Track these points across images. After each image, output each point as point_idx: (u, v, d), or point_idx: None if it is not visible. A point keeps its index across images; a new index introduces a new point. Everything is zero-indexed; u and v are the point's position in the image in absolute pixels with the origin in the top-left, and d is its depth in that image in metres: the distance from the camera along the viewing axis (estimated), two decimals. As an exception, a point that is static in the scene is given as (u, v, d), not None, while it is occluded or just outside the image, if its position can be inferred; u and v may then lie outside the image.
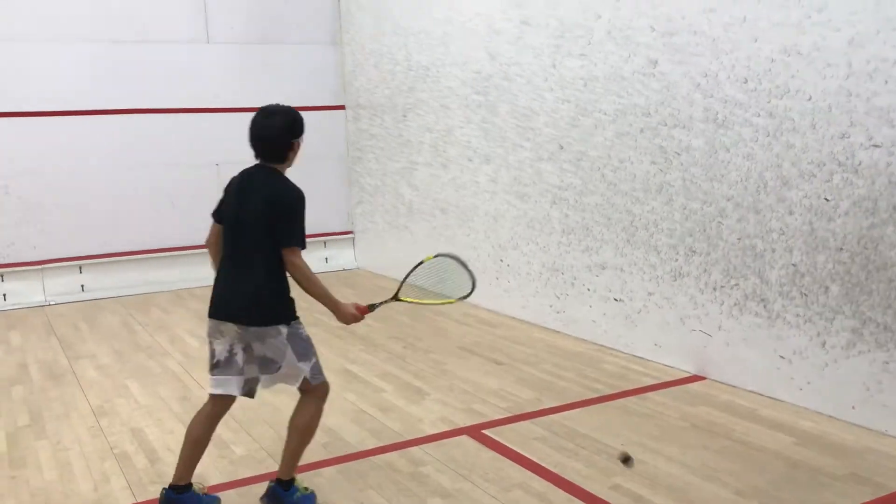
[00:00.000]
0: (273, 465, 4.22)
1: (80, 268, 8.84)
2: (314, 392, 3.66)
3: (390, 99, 8.95)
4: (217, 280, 3.64)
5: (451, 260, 4.00)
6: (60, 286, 8.72)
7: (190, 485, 3.66)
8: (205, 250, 3.85)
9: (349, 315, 3.65)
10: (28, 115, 8.47)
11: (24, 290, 8.58)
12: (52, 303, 8.61)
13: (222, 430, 4.75)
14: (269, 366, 3.53)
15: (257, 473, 4.16)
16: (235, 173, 3.73)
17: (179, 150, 9.19)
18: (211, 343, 3.59)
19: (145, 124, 9.02)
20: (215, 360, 3.56)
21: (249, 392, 3.62)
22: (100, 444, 4.64)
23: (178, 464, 3.65)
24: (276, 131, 3.52)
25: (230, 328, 3.50)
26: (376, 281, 9.14)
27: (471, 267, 3.97)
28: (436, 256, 4.03)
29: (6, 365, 6.35)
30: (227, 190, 3.68)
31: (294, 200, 3.49)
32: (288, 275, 3.54)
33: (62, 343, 6.98)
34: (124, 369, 6.12)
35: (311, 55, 9.84)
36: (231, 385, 3.57)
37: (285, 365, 3.53)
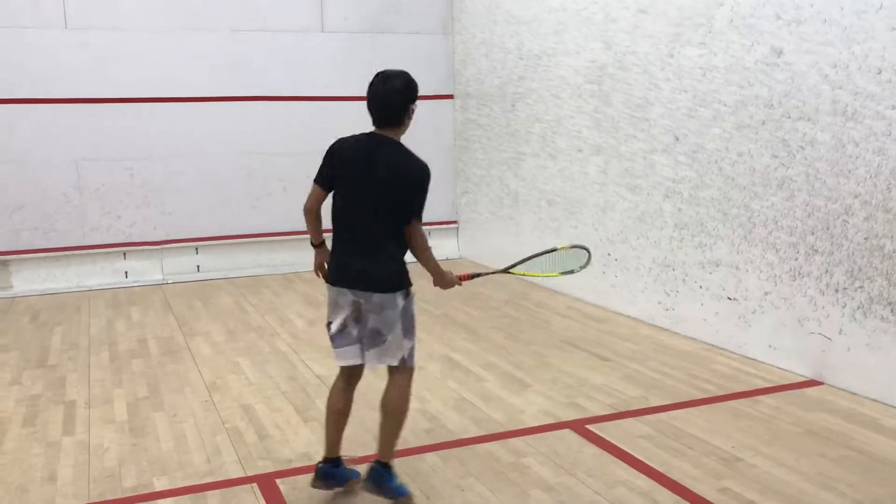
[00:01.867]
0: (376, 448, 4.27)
1: (197, 249, 9.19)
2: (407, 373, 3.66)
3: (499, 88, 8.91)
4: (340, 247, 3.61)
5: (583, 251, 4.12)
6: (178, 266, 9.10)
7: (339, 458, 3.75)
8: (309, 235, 3.85)
9: (450, 283, 3.75)
10: (151, 101, 8.85)
11: (145, 269, 8.99)
12: (169, 281, 8.99)
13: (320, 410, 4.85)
14: (375, 338, 3.56)
15: (361, 454, 4.21)
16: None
17: (292, 137, 9.41)
18: (329, 315, 3.66)
19: (260, 111, 9.28)
20: (332, 334, 3.63)
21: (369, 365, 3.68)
22: (212, 419, 4.81)
23: (327, 437, 3.74)
24: (397, 95, 3.52)
25: (347, 299, 3.54)
26: (479, 271, 9.13)
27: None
28: (572, 247, 4.12)
29: (127, 339, 6.67)
30: (342, 157, 3.58)
31: (426, 176, 3.55)
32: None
33: (178, 320, 7.27)
34: (236, 348, 6.32)
35: (421, 44, 9.90)
36: (351, 355, 3.62)
37: (391, 337, 3.54)
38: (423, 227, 3.61)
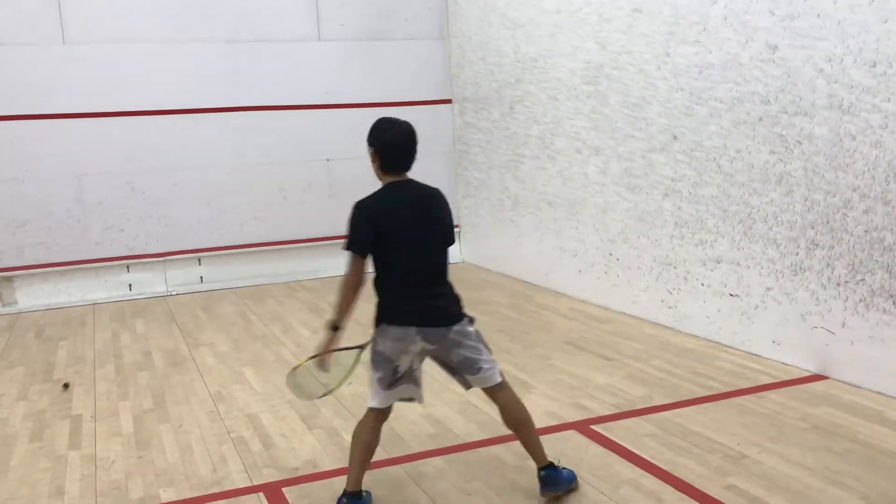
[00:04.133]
0: (383, 454, 4.28)
1: (200, 260, 9.22)
2: (506, 383, 3.75)
3: (497, 91, 8.92)
4: (407, 296, 3.58)
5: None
6: (181, 277, 9.13)
7: (361, 492, 3.69)
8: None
9: (323, 356, 3.67)
10: (149, 114, 8.89)
11: (148, 281, 9.02)
12: (173, 293, 9.02)
13: (333, 417, 4.87)
14: (471, 367, 3.66)
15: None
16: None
17: (292, 146, 9.45)
18: (392, 361, 3.59)
19: (259, 121, 9.32)
20: (399, 375, 3.61)
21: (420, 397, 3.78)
22: (218, 429, 4.82)
23: (355, 472, 3.66)
24: (416, 142, 3.64)
25: (417, 344, 3.56)
26: (481, 275, 9.14)
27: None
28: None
29: (132, 351, 6.69)
30: (391, 216, 3.54)
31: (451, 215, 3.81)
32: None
33: (182, 331, 7.29)
34: (241, 357, 6.34)
35: (418, 50, 9.93)
36: (406, 392, 3.70)
37: (484, 359, 3.67)
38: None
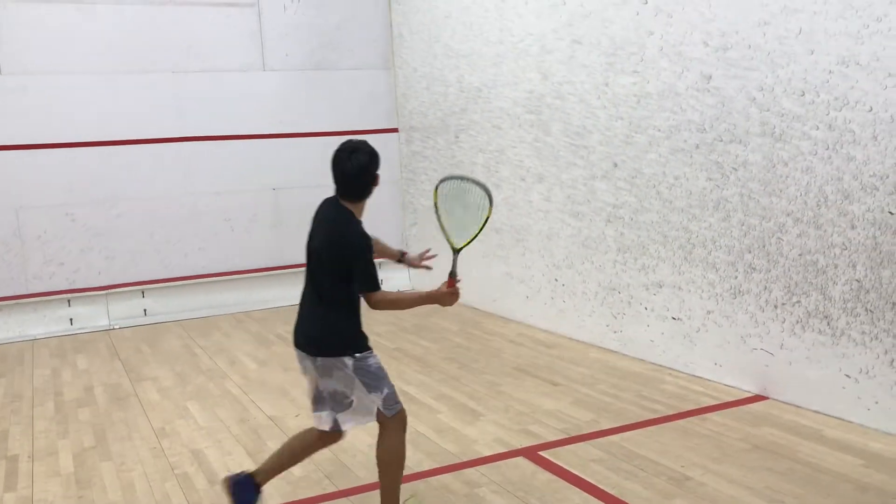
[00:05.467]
0: (330, 486, 4.24)
1: (143, 292, 9.06)
2: (391, 423, 3.62)
3: (442, 121, 9.01)
4: (299, 307, 3.74)
5: (452, 182, 4.04)
6: (124, 310, 8.94)
7: (260, 485, 3.75)
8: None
9: (449, 298, 3.77)
10: (89, 146, 8.74)
11: (90, 315, 8.82)
12: (116, 327, 8.83)
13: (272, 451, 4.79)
14: (341, 401, 3.62)
15: (314, 494, 4.19)
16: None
17: (237, 176, 9.38)
18: (307, 381, 3.72)
19: (204, 151, 9.23)
20: (312, 396, 3.69)
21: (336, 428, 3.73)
22: (161, 465, 4.73)
23: (269, 461, 3.80)
24: (361, 169, 3.55)
25: (307, 363, 3.63)
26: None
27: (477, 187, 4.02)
28: (439, 186, 4.06)
29: (73, 387, 6.52)
30: (313, 218, 3.76)
31: (355, 245, 3.49)
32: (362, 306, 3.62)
33: (125, 366, 7.14)
34: (185, 392, 6.23)
35: (364, 80, 9.98)
36: (323, 421, 3.68)
37: (355, 398, 3.60)
38: (377, 293, 3.53)
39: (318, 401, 3.67)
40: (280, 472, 3.85)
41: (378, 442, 3.66)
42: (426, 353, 6.95)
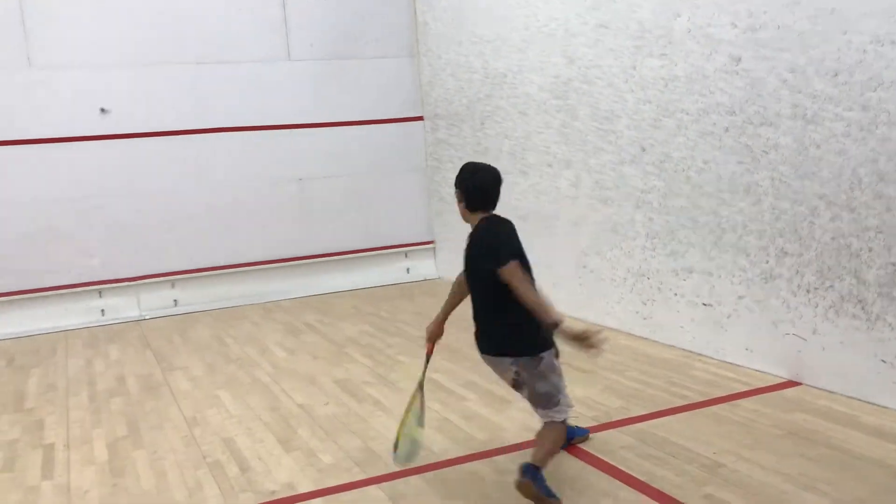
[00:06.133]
0: (360, 474, 4.26)
1: (173, 283, 9.15)
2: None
3: (468, 108, 8.97)
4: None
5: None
6: (155, 301, 9.04)
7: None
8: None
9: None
10: (117, 138, 8.83)
11: (121, 306, 8.93)
12: (147, 317, 8.93)
13: (310, 437, 4.83)
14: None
15: (344, 482, 4.20)
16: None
17: (263, 167, 9.42)
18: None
19: (230, 142, 9.29)
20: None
21: None
22: (193, 454, 4.77)
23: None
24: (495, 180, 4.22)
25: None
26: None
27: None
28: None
29: (105, 378, 6.61)
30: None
31: (505, 230, 4.19)
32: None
33: (157, 356, 7.22)
34: (216, 381, 6.28)
35: (388, 68, 9.96)
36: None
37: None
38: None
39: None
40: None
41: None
42: (454, 340, 6.89)
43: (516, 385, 3.95)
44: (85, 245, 8.78)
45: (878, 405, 4.72)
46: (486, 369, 6.16)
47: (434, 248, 10.11)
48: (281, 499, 4.08)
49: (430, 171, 10.07)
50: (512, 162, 8.23)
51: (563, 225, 7.53)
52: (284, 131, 9.51)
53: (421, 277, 9.90)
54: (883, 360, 4.67)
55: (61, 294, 8.70)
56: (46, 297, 8.63)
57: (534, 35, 7.58)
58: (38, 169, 8.53)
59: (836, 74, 4.73)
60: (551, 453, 3.81)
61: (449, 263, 9.89)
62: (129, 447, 4.96)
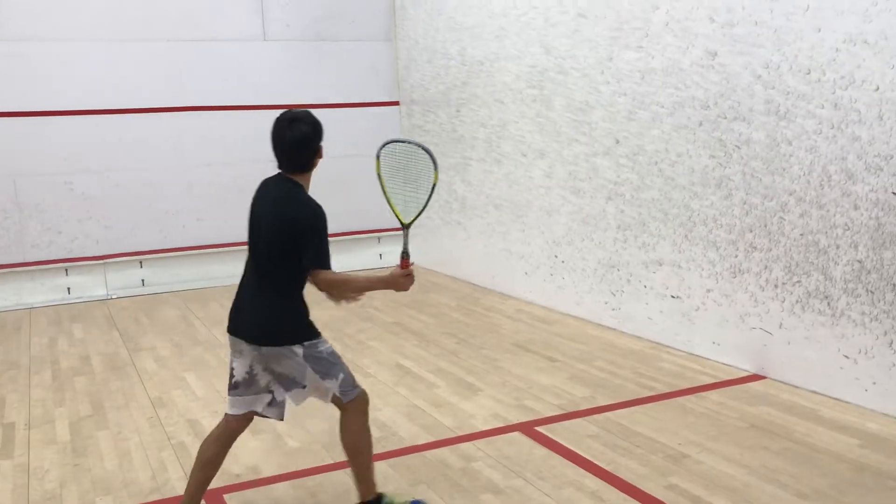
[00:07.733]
0: (328, 458, 4.25)
1: (141, 262, 9.03)
2: (350, 408, 3.45)
3: (444, 94, 8.94)
4: (237, 293, 3.54)
5: (392, 147, 3.72)
6: (122, 280, 8.92)
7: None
8: None
9: (403, 281, 3.57)
10: (89, 114, 8.68)
11: (88, 284, 8.80)
12: (113, 296, 8.82)
13: (277, 423, 4.79)
14: (292, 384, 3.42)
15: (311, 465, 4.19)
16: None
17: (236, 147, 9.31)
18: (231, 362, 3.48)
19: (203, 121, 9.17)
20: (234, 381, 3.45)
21: (279, 415, 3.53)
22: (158, 435, 4.73)
23: (188, 488, 3.48)
24: (304, 138, 3.39)
25: (247, 347, 3.39)
26: (430, 277, 9.14)
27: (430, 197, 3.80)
28: (380, 154, 3.69)
29: (70, 357, 6.52)
30: (252, 201, 3.54)
31: (311, 217, 3.31)
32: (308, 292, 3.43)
33: (123, 336, 7.13)
34: (182, 362, 6.23)
35: (365, 51, 9.89)
36: (246, 404, 3.46)
37: (309, 384, 3.40)
38: (327, 272, 3.34)
39: (247, 385, 3.43)
40: (206, 487, 3.55)
41: (340, 429, 3.49)
42: (424, 327, 6.94)
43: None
44: (52, 222, 8.63)
45: (841, 400, 4.79)
46: (456, 357, 6.18)
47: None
48: (245, 482, 4.06)
49: (404, 156, 10.02)
50: (487, 150, 8.22)
51: (535, 214, 7.54)
52: (258, 112, 9.39)
53: (394, 263, 9.83)
54: (846, 356, 4.74)
55: (27, 270, 8.55)
56: (11, 272, 8.48)
57: (512, 23, 7.56)
58: (5, 143, 8.36)
59: (809, 72, 4.77)
60: None
61: (422, 251, 9.88)
62: (93, 427, 4.90)
